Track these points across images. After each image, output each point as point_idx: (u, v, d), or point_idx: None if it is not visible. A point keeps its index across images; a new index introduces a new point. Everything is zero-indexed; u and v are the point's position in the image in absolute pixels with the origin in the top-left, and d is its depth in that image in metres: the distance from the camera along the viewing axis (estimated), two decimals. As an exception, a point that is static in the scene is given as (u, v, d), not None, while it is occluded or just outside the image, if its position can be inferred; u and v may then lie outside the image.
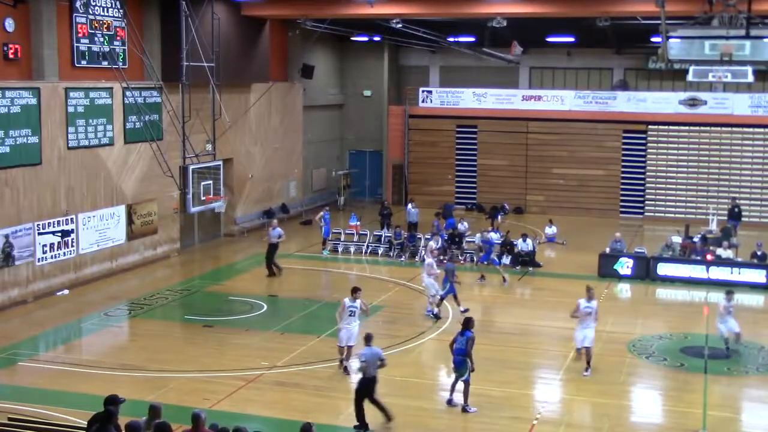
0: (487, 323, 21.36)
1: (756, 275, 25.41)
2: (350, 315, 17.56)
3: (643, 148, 37.17)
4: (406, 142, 39.96)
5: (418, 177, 39.83)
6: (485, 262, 26.37)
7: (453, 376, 16.07)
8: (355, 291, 17.86)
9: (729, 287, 21.28)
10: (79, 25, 24.08)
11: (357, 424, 14.69)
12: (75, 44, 24.04)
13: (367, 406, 14.84)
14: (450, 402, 15.95)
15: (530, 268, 27.46)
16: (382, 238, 29.76)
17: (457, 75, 40.98)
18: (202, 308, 22.61)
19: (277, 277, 25.59)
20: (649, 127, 36.90)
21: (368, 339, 15.39)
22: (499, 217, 34.37)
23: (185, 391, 16.41)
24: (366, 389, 14.79)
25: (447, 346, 19.58)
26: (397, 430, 14.93)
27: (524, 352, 19.42)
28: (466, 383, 15.72)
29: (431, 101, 39.65)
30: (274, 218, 29.04)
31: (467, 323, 15.95)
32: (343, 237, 30.14)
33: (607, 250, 27.09)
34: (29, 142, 22.37)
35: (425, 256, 19.80)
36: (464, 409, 15.65)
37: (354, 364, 16.97)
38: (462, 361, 15.68)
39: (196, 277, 25.67)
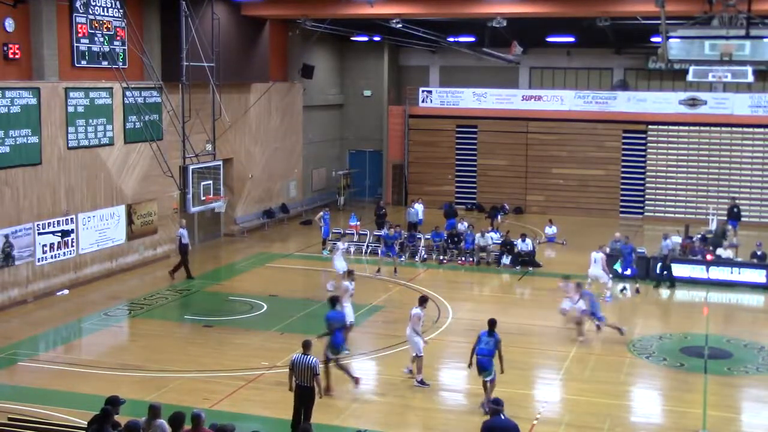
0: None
1: (756, 275, 25.40)
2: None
3: (643, 148, 37.18)
4: (406, 142, 39.97)
5: (418, 177, 39.83)
6: (386, 255, 26.77)
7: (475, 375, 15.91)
8: (424, 301, 17.33)
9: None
10: (79, 25, 24.09)
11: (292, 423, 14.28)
12: (75, 44, 24.04)
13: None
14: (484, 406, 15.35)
15: (530, 268, 27.46)
16: (382, 239, 29.71)
17: (457, 75, 40.99)
18: (202, 308, 22.62)
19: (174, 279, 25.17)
20: (649, 127, 36.90)
21: (306, 347, 14.25)
22: (499, 217, 34.39)
23: (185, 391, 16.41)
24: (297, 396, 14.10)
25: (447, 346, 19.73)
26: (397, 430, 14.93)
27: (524, 352, 19.40)
28: (493, 383, 15.65)
29: (431, 101, 39.66)
30: (182, 220, 26.80)
31: (494, 324, 15.72)
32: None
33: (608, 250, 27.04)
34: (29, 142, 22.38)
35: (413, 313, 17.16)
36: (484, 405, 15.33)
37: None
38: (489, 361, 15.52)
39: (196, 277, 25.66)
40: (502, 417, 11.24)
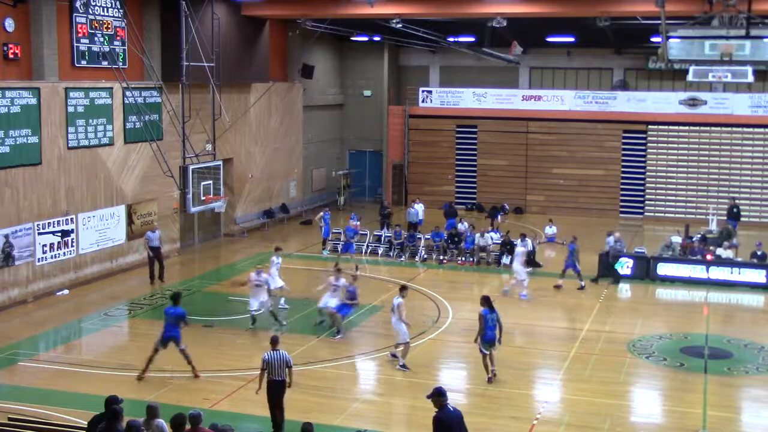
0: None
1: (756, 275, 25.41)
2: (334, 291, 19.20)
3: (643, 148, 37.18)
4: (406, 142, 39.97)
5: (418, 177, 39.84)
6: (346, 253, 27.14)
7: (487, 353, 17.06)
8: (403, 289, 18.35)
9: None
10: (79, 25, 24.09)
11: (273, 429, 14.45)
12: (75, 44, 24.05)
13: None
14: (491, 380, 17.06)
15: (530, 268, 27.39)
16: (382, 238, 29.77)
17: (457, 75, 40.99)
18: (202, 308, 22.60)
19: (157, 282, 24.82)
20: (649, 127, 36.91)
21: (274, 342, 14.61)
22: (499, 217, 34.39)
23: (185, 391, 16.41)
24: (273, 393, 14.38)
25: (447, 346, 19.74)
26: (397, 430, 14.93)
27: (524, 352, 19.42)
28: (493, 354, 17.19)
29: (431, 101, 39.66)
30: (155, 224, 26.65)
31: (490, 300, 17.23)
32: (343, 237, 30.14)
33: (607, 248, 27.06)
34: (29, 142, 22.38)
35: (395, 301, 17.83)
36: (492, 377, 17.07)
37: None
38: (494, 336, 16.96)
39: (196, 277, 25.67)
40: (450, 408, 11.33)
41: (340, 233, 30.19)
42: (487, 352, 17.06)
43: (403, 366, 17.72)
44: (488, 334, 16.94)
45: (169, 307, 17.46)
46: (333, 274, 20.56)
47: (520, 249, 24.63)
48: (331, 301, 20.17)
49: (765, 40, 19.13)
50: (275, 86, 33.90)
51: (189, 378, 17.14)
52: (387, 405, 16.13)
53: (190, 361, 17.05)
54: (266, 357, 14.41)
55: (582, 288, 24.57)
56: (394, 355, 18.05)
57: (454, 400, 16.76)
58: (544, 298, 24.58)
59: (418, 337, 19.88)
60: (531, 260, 27.68)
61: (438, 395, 11.25)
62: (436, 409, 11.20)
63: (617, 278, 25.83)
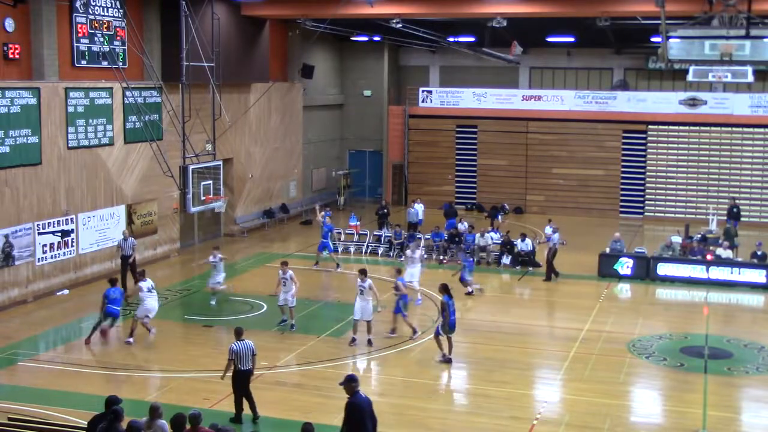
0: (487, 323, 21.38)
1: (756, 275, 25.40)
2: (360, 293, 19.42)
3: (643, 148, 37.18)
4: (406, 142, 39.98)
5: (418, 177, 39.84)
6: (322, 251, 27.10)
7: (443, 336, 18.30)
8: (363, 273, 19.68)
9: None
10: (79, 25, 24.09)
11: (234, 415, 15.01)
12: (75, 44, 24.05)
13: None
14: (445, 357, 18.29)
15: (530, 268, 27.45)
16: (382, 238, 29.76)
17: (457, 75, 40.99)
18: (202, 308, 22.60)
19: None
20: (649, 127, 36.91)
21: (238, 333, 15.34)
22: (499, 217, 34.39)
23: (185, 391, 16.41)
24: (241, 382, 14.98)
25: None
26: (397, 430, 14.93)
27: (524, 352, 19.42)
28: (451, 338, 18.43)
29: (431, 101, 39.66)
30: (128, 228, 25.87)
31: (448, 288, 18.65)
32: (343, 237, 30.15)
33: (607, 250, 27.10)
34: (29, 142, 22.38)
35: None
36: (444, 357, 18.30)
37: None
38: (455, 321, 18.37)
39: (196, 277, 25.66)
40: (362, 394, 11.88)
41: (340, 233, 30.20)
42: (446, 336, 18.24)
43: (369, 342, 19.20)
44: (452, 319, 18.21)
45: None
46: (358, 276, 19.87)
47: (417, 254, 24.15)
48: (366, 308, 19.46)
49: (765, 40, 19.11)
50: (275, 86, 33.90)
51: (189, 378, 17.15)
52: (387, 405, 16.11)
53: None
54: (234, 348, 14.99)
55: (479, 290, 24.41)
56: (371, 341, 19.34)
57: (455, 400, 16.88)
58: (544, 298, 24.60)
59: (418, 337, 19.88)
60: (531, 260, 27.77)
61: (350, 381, 11.88)
62: (348, 395, 11.81)
63: (554, 274, 26.00)
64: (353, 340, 19.38)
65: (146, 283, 19.81)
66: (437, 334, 18.39)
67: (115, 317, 19.54)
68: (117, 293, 19.59)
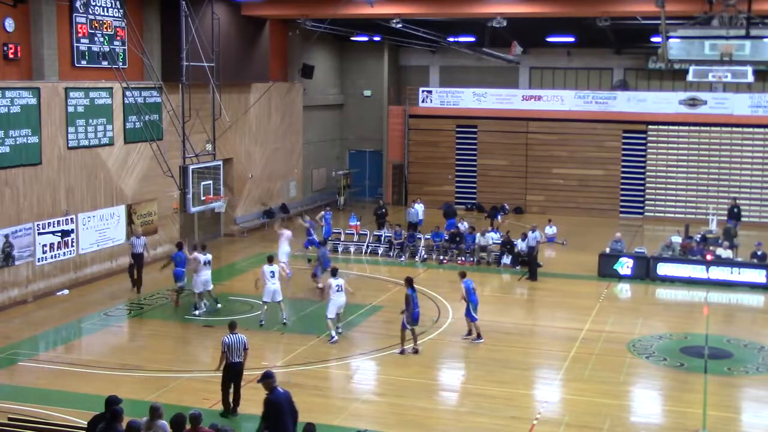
0: (487, 323, 21.35)
1: (756, 275, 25.40)
2: (337, 291, 19.95)
3: (643, 148, 37.18)
4: (406, 142, 39.97)
5: (418, 177, 39.83)
6: (308, 247, 27.18)
7: (409, 328, 18.83)
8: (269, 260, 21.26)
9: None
10: (79, 25, 24.09)
11: (223, 410, 15.28)
12: (75, 44, 24.05)
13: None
14: (405, 351, 18.72)
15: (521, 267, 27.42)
16: (382, 238, 29.76)
17: (457, 75, 40.99)
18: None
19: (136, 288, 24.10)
20: (649, 127, 36.90)
21: (232, 327, 15.66)
22: (499, 217, 34.38)
23: (185, 391, 16.42)
24: (233, 374, 15.25)
25: (447, 346, 19.74)
26: (397, 430, 14.93)
27: (524, 352, 19.42)
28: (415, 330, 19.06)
29: (431, 101, 39.65)
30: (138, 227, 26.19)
31: (412, 281, 19.16)
32: (343, 237, 30.15)
33: (607, 250, 27.10)
34: (29, 142, 22.38)
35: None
36: (418, 350, 18.87)
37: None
38: (419, 314, 18.94)
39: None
40: (280, 390, 12.20)
41: (340, 233, 30.20)
42: (410, 328, 18.80)
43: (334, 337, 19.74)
44: (416, 311, 18.74)
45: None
46: (330, 276, 20.47)
47: (287, 232, 25.56)
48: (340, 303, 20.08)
49: (765, 40, 19.13)
50: (275, 86, 33.90)
51: (189, 378, 17.15)
52: (387, 405, 16.14)
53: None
54: (226, 340, 15.27)
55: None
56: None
57: (455, 400, 16.88)
58: (544, 298, 24.59)
59: (419, 336, 19.86)
60: (531, 259, 27.70)
61: (266, 378, 12.23)
62: (267, 392, 12.13)
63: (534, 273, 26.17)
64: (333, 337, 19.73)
65: (205, 257, 21.67)
66: (403, 328, 18.77)
67: (179, 277, 21.99)
68: (182, 257, 22.10)
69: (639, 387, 17.62)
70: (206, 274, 21.77)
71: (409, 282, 19.08)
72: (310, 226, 27.31)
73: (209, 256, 22.30)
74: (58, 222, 23.54)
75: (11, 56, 22.10)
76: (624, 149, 37.38)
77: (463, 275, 20.25)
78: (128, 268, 24.38)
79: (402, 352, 18.72)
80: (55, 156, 23.28)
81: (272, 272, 20.90)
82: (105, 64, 24.91)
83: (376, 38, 37.66)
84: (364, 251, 29.53)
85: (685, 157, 36.56)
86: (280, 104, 34.95)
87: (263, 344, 19.45)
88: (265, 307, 20.86)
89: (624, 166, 37.37)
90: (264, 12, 31.01)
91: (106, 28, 25.00)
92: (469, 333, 20.08)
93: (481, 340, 19.70)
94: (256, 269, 27.08)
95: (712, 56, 19.28)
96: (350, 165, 41.75)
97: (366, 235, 30.08)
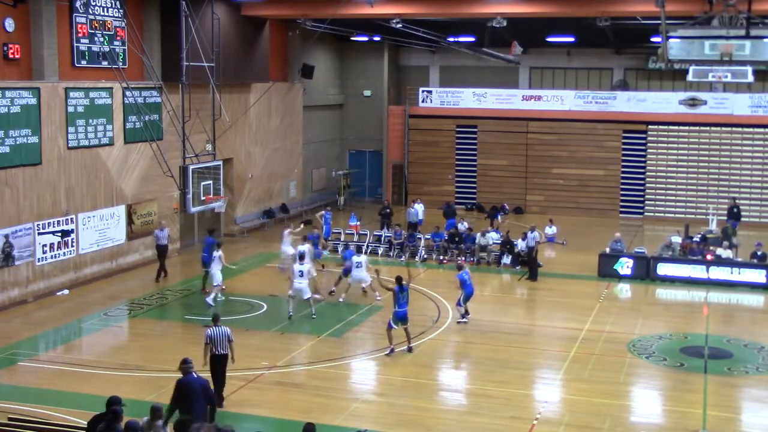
0: (487, 323, 21.38)
1: (756, 275, 25.40)
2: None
3: (643, 148, 37.18)
4: (406, 142, 39.97)
5: (418, 177, 39.84)
6: (319, 258, 27.07)
7: (396, 327, 18.84)
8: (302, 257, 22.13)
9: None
10: (79, 25, 24.09)
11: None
12: (75, 44, 24.04)
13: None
14: (393, 351, 18.68)
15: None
16: (382, 238, 29.76)
17: (457, 75, 40.99)
18: (202, 308, 22.59)
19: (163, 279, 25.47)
20: (649, 127, 36.90)
21: (215, 319, 15.86)
22: (499, 217, 34.39)
23: (185, 391, 16.38)
24: (217, 365, 15.51)
25: (447, 346, 19.75)
26: (397, 430, 14.93)
27: (524, 352, 19.42)
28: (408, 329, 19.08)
29: (431, 101, 39.66)
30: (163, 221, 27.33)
31: (401, 280, 19.04)
32: (343, 237, 30.14)
33: (607, 250, 27.10)
34: (29, 142, 22.38)
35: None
36: (411, 349, 18.93)
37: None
38: (406, 312, 18.83)
39: (196, 277, 25.64)
40: (195, 375, 12.73)
41: (340, 233, 30.20)
42: (396, 327, 18.76)
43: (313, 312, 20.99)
44: (400, 310, 18.73)
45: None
46: (297, 260, 22.22)
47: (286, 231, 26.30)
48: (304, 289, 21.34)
49: (765, 40, 19.11)
50: (275, 86, 33.90)
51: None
52: (387, 405, 16.14)
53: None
54: (209, 333, 15.54)
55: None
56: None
57: (455, 400, 16.88)
58: (544, 298, 24.59)
59: (418, 337, 19.88)
60: (532, 259, 27.71)
61: (182, 363, 12.87)
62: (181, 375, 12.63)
63: (534, 274, 26.20)
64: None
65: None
66: (389, 327, 18.82)
67: (205, 263, 23.34)
68: (209, 242, 23.61)
69: (639, 387, 17.61)
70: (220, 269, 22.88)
71: (398, 281, 19.10)
72: (324, 222, 28.58)
73: (221, 253, 23.16)
74: (58, 222, 23.54)
75: (11, 56, 22.09)
76: (624, 149, 37.38)
77: (459, 268, 21.24)
78: (158, 258, 25.53)
79: (391, 352, 18.66)
80: (55, 156, 23.28)
81: (300, 272, 21.30)
82: (105, 64, 24.91)
83: (376, 38, 37.67)
84: (364, 251, 29.45)
85: (685, 157, 36.56)
86: (280, 104, 34.95)
87: (263, 344, 19.45)
88: (290, 301, 21.52)
89: (624, 166, 37.37)
90: (264, 12, 31.02)
91: (106, 28, 25.00)
92: (464, 315, 21.20)
93: (465, 321, 21.10)
94: (256, 269, 27.25)
95: (712, 56, 19.26)
96: (350, 165, 41.75)
97: (366, 235, 30.07)
